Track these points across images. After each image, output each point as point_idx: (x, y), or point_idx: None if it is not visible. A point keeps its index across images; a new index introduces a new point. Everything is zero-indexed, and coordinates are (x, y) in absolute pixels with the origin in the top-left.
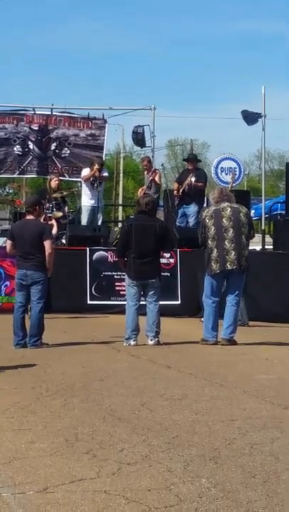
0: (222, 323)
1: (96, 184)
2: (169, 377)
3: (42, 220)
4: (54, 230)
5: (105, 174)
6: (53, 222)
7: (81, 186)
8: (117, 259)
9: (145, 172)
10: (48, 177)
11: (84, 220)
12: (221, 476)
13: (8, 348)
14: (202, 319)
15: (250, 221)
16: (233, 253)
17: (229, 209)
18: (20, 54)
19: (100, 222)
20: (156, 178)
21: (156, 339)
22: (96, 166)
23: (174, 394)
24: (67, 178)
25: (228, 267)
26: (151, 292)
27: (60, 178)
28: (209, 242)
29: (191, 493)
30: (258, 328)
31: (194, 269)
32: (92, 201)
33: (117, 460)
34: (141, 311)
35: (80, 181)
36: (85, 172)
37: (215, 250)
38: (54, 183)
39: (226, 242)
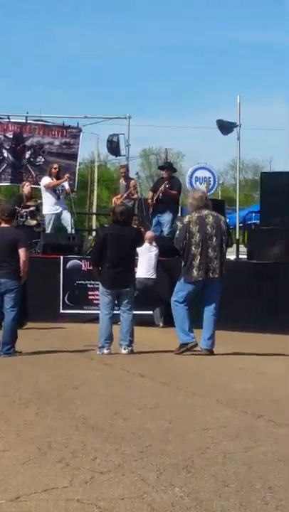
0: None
1: (58, 191)
2: (142, 386)
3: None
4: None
5: (67, 187)
6: None
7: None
8: (91, 268)
9: (121, 180)
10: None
11: (47, 229)
12: (194, 485)
13: None
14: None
15: (229, 229)
16: (216, 261)
17: (211, 216)
18: None
19: (69, 230)
20: (132, 187)
21: (129, 348)
22: (66, 175)
23: (147, 403)
24: (41, 186)
25: (210, 275)
26: (126, 301)
27: (34, 186)
28: (193, 248)
29: (164, 502)
30: (231, 337)
31: (170, 278)
32: (56, 207)
33: (90, 469)
34: (114, 319)
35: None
36: (46, 180)
37: (198, 257)
38: (27, 189)
39: (209, 250)
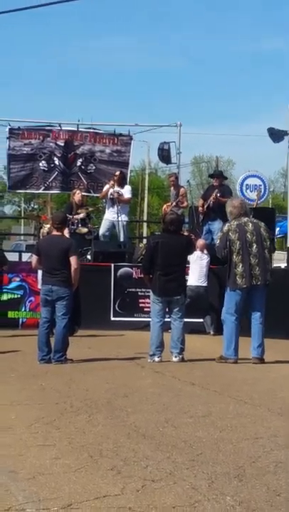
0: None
1: (114, 198)
2: (193, 394)
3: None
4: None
5: (127, 196)
6: None
7: (106, 202)
8: (142, 276)
9: (171, 188)
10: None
11: (101, 231)
12: (246, 494)
13: (33, 364)
14: None
15: (270, 235)
16: (258, 268)
17: (250, 224)
18: (47, 70)
19: (122, 238)
20: (182, 195)
21: (180, 356)
22: (111, 182)
23: (198, 411)
24: (92, 194)
25: (254, 282)
26: (176, 309)
27: (86, 194)
28: (234, 256)
29: (216, 511)
30: (283, 346)
31: (221, 286)
32: (113, 215)
33: (141, 477)
34: (165, 327)
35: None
36: (103, 189)
37: (240, 265)
38: (77, 197)
39: (250, 257)
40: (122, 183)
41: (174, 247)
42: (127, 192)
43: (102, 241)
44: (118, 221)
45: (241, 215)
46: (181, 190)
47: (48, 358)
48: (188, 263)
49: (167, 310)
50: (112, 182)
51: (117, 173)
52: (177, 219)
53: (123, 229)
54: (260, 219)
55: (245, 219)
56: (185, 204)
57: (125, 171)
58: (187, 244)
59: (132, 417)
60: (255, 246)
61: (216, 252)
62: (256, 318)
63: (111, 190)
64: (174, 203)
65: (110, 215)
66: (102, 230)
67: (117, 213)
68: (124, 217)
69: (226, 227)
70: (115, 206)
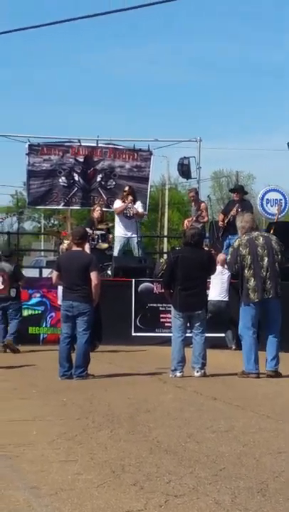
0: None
1: (129, 214)
2: (215, 409)
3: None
4: None
5: (140, 210)
6: None
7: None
8: (163, 291)
9: (192, 203)
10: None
11: (115, 251)
12: (269, 509)
13: (54, 379)
14: None
15: (282, 248)
16: (269, 282)
17: (261, 238)
18: (65, 85)
19: (139, 254)
20: (203, 210)
21: (202, 371)
22: (130, 198)
23: (220, 426)
24: (112, 210)
25: (266, 295)
26: (198, 324)
27: (106, 209)
28: (245, 271)
29: None
30: None
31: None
32: (127, 232)
33: (164, 492)
34: (187, 342)
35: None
36: (117, 204)
37: (252, 279)
38: (97, 213)
39: (262, 271)
40: (133, 198)
41: (194, 261)
42: (139, 207)
43: (122, 256)
44: (137, 237)
45: (252, 229)
46: (202, 205)
47: (69, 373)
48: (209, 277)
49: (188, 325)
50: (130, 198)
51: (126, 188)
52: (198, 233)
53: (139, 245)
54: (281, 233)
55: (256, 233)
56: (206, 219)
57: (145, 186)
58: (208, 260)
59: (154, 432)
60: (266, 260)
61: (228, 268)
62: (270, 332)
63: (129, 206)
64: (195, 218)
65: (123, 231)
66: (116, 249)
67: (136, 229)
68: (138, 233)
69: (236, 243)
70: (132, 222)
